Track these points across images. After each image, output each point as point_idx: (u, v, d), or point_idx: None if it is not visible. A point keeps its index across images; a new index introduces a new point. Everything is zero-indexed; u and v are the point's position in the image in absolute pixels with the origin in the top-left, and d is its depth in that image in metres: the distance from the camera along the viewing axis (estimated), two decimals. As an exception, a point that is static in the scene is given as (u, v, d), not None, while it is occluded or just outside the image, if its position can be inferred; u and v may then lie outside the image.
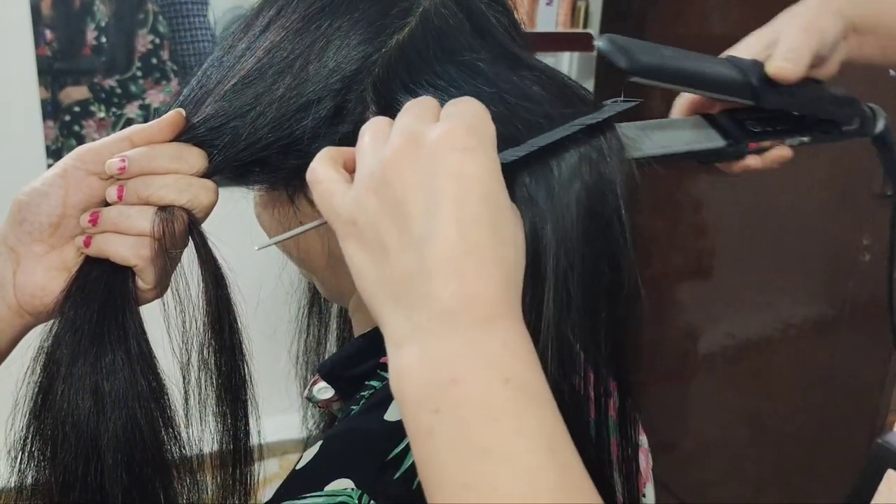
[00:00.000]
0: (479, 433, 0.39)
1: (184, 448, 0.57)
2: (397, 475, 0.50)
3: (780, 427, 1.68)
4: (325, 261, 0.59)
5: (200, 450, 0.59)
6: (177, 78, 2.08)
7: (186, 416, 0.58)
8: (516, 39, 0.58)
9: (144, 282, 0.55)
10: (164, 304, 0.57)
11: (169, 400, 0.56)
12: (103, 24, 2.01)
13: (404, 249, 0.42)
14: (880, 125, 0.66)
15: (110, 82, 2.05)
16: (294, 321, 0.78)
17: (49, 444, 0.54)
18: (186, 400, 0.58)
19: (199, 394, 0.58)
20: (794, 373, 1.71)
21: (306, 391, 0.64)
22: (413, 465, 0.50)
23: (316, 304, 0.77)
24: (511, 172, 0.47)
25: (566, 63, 2.35)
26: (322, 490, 0.49)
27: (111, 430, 0.53)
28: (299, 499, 0.49)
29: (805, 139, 0.63)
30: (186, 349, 0.57)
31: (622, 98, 0.51)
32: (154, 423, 0.55)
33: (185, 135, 0.56)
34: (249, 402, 0.60)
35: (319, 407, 0.65)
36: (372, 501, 0.48)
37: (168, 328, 0.56)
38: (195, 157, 0.55)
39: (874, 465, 1.36)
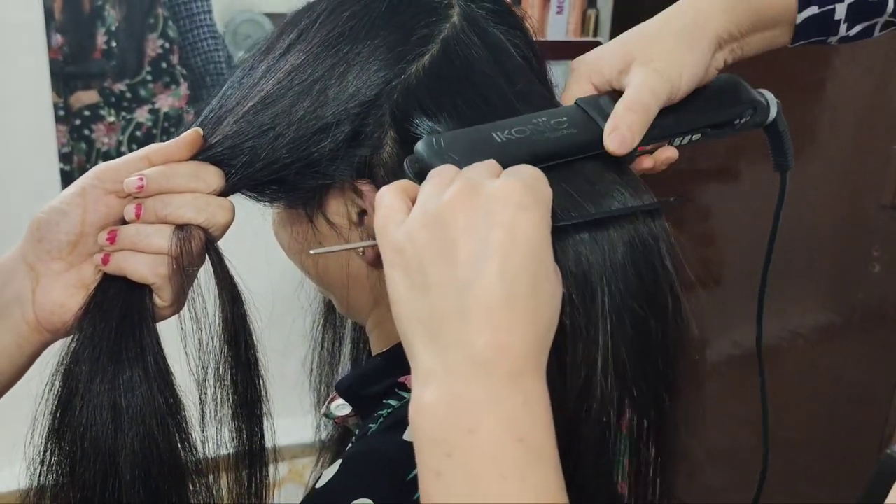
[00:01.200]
0: (485, 487, 0.40)
1: (200, 463, 0.58)
2: (417, 495, 0.50)
3: (789, 436, 1.67)
4: (342, 280, 0.60)
5: (217, 463, 0.59)
6: (186, 82, 2.08)
7: (203, 431, 0.58)
8: (533, 64, 0.58)
9: (162, 299, 0.56)
10: (181, 321, 0.57)
11: (185, 416, 0.57)
12: (113, 28, 2.02)
13: (446, 289, 0.43)
14: (773, 112, 0.62)
15: (120, 86, 2.06)
16: (309, 334, 0.78)
17: (68, 459, 0.54)
18: (203, 415, 0.58)
19: (216, 409, 0.58)
20: (803, 382, 1.70)
21: (324, 408, 0.64)
22: None
23: (331, 317, 0.78)
24: (561, 235, 0.48)
25: (575, 70, 2.35)
26: None
27: (129, 445, 0.53)
28: None
29: (695, 137, 0.59)
30: (203, 366, 0.58)
31: (676, 196, 0.52)
32: (171, 439, 0.55)
33: (203, 153, 0.56)
34: (265, 417, 0.61)
35: (336, 423, 0.66)
36: None
37: (185, 345, 0.57)
38: (212, 176, 0.56)
39: (882, 475, 1.36)
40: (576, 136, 0.52)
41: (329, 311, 0.78)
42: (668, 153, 0.59)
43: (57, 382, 0.55)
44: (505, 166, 0.49)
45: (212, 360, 0.58)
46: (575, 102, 0.56)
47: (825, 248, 1.62)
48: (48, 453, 0.55)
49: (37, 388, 0.55)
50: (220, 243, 0.57)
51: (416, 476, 0.50)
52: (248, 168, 0.55)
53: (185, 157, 0.56)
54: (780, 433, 1.80)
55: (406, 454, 0.52)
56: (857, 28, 0.64)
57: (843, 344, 1.65)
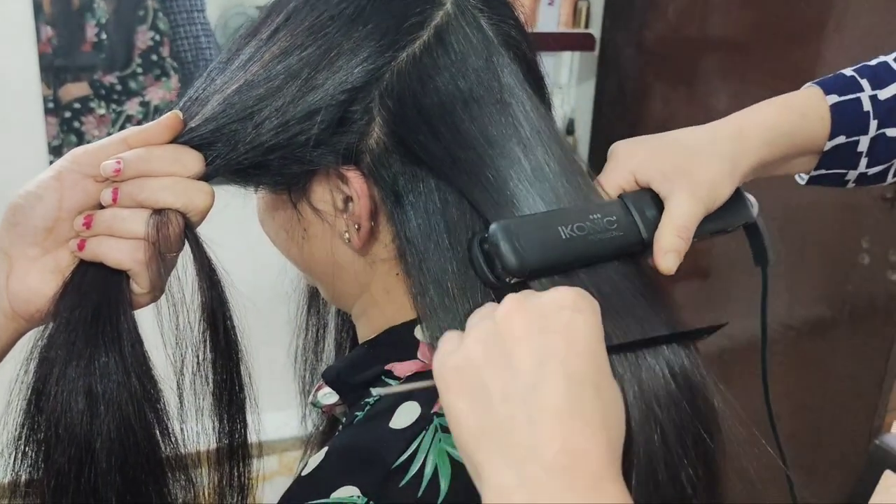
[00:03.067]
0: None
1: (179, 450, 0.57)
2: (403, 483, 0.50)
3: (779, 427, 1.68)
4: (328, 267, 0.59)
5: (197, 450, 0.58)
6: (177, 74, 2.08)
7: (181, 418, 0.57)
8: (526, 54, 0.58)
9: (139, 285, 0.55)
10: (157, 307, 0.57)
11: (164, 402, 0.56)
12: (104, 20, 2.01)
13: (510, 399, 0.42)
14: (753, 213, 0.65)
15: (110, 79, 2.05)
16: (293, 320, 0.78)
17: (42, 445, 0.53)
18: (181, 402, 0.57)
19: (195, 395, 0.57)
20: (793, 374, 1.71)
21: (311, 396, 0.64)
22: (419, 473, 0.50)
23: (314, 303, 0.77)
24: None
25: (567, 63, 2.35)
26: (328, 497, 0.50)
27: (105, 432, 0.52)
28: None
29: (693, 240, 0.60)
30: (181, 351, 0.57)
31: (714, 326, 0.54)
32: (148, 426, 0.54)
33: (184, 137, 0.55)
34: (247, 402, 0.60)
35: (323, 412, 0.65)
36: None
37: (162, 331, 0.56)
38: (192, 160, 0.54)
39: (872, 466, 1.37)
40: (622, 240, 0.55)
41: (313, 297, 0.77)
42: None
43: (32, 367, 0.54)
44: (566, 263, 0.51)
45: (190, 346, 0.57)
46: (620, 198, 0.59)
47: (815, 240, 1.63)
48: (23, 440, 0.54)
49: (11, 374, 0.54)
50: (207, 232, 0.56)
51: (402, 463, 0.50)
52: (230, 153, 0.54)
53: (164, 141, 0.55)
54: (766, 425, 1.80)
55: (393, 441, 0.52)
56: (875, 169, 0.67)
57: (833, 336, 1.66)
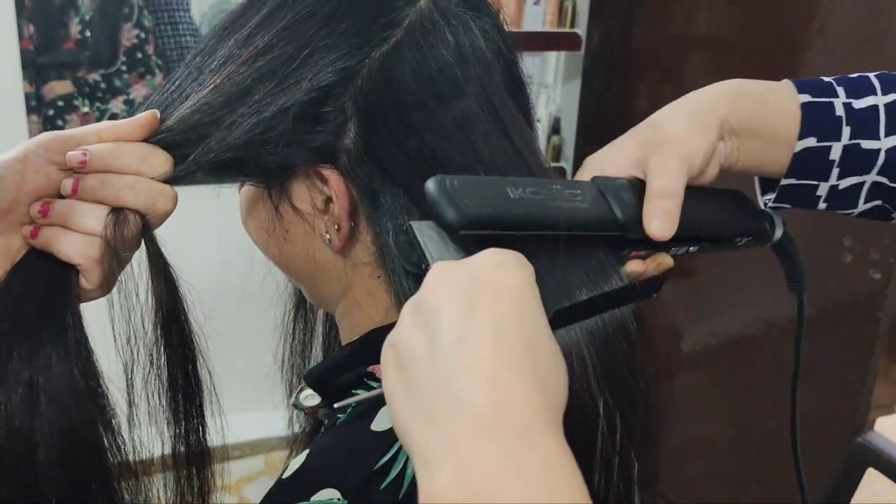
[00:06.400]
0: None
1: (126, 450, 0.55)
2: (384, 485, 0.50)
3: (762, 425, 1.69)
4: (309, 268, 0.59)
5: (151, 453, 0.57)
6: (161, 73, 2.07)
7: (129, 419, 0.56)
8: (503, 53, 0.57)
9: (88, 282, 0.53)
10: (110, 304, 0.55)
11: (109, 402, 0.55)
12: (87, 17, 1.99)
13: (435, 356, 0.39)
14: (778, 233, 0.62)
15: (94, 76, 2.04)
16: (280, 325, 0.77)
17: None
18: (130, 403, 0.56)
19: (147, 397, 0.56)
20: (776, 372, 1.72)
21: (293, 398, 0.63)
22: (400, 475, 0.50)
23: (302, 308, 0.76)
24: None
25: (553, 62, 2.36)
26: (308, 500, 0.49)
27: (46, 427, 0.51)
28: None
29: (693, 248, 0.58)
30: (133, 350, 0.56)
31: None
32: (92, 424, 0.53)
33: (158, 136, 0.54)
34: (206, 405, 0.59)
35: (306, 413, 0.65)
36: None
37: (114, 331, 0.55)
38: (160, 161, 0.53)
39: (854, 464, 1.37)
40: (587, 212, 0.51)
41: (300, 302, 0.76)
42: (662, 259, 0.57)
43: None
44: (514, 223, 0.48)
45: (143, 346, 0.56)
46: (591, 179, 0.54)
47: (797, 238, 1.63)
48: None
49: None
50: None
51: (383, 465, 0.50)
52: (202, 153, 0.53)
53: (137, 139, 0.54)
54: (754, 422, 1.82)
55: (374, 443, 0.51)
56: (847, 182, 0.64)
57: (816, 334, 1.67)
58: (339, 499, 0.49)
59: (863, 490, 1.40)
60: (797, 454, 0.71)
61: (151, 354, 0.56)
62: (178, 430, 0.58)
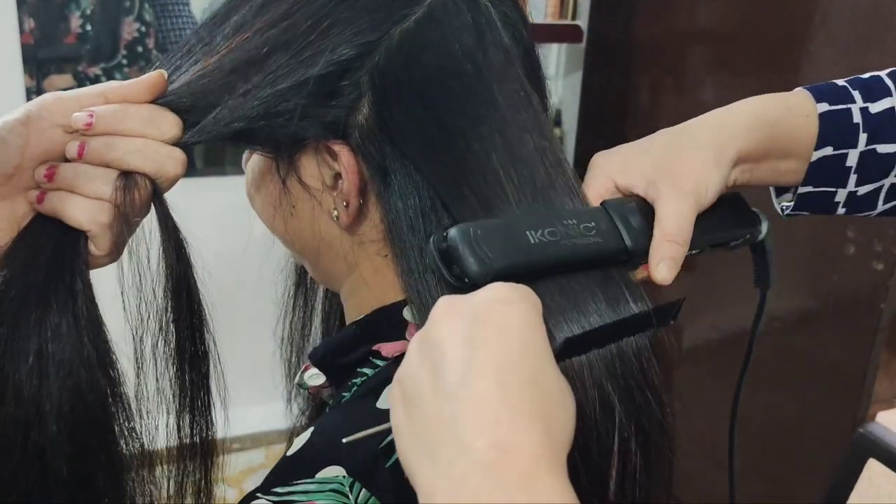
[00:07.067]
0: None
1: (133, 420, 0.54)
2: (389, 463, 0.50)
3: (764, 418, 1.69)
4: (315, 244, 0.58)
5: (156, 423, 0.56)
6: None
7: (137, 387, 0.55)
8: (522, 37, 0.57)
9: (97, 248, 0.52)
10: (120, 271, 0.54)
11: (118, 371, 0.53)
12: (88, 11, 1.99)
13: (438, 396, 0.40)
14: (763, 231, 0.63)
15: (95, 70, 2.04)
16: (279, 302, 0.76)
17: None
18: (139, 371, 0.55)
19: (156, 366, 0.55)
20: (778, 364, 1.72)
21: (297, 377, 0.63)
22: None
23: (302, 285, 0.76)
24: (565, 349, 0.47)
25: (554, 55, 2.35)
26: (313, 477, 0.49)
27: (55, 395, 0.50)
28: (290, 485, 0.49)
29: (693, 252, 0.58)
30: (142, 317, 0.55)
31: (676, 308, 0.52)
32: (101, 393, 0.52)
33: (166, 98, 0.53)
34: (212, 378, 0.58)
35: (310, 393, 0.65)
36: (363, 490, 0.48)
37: (123, 296, 0.54)
38: (169, 124, 0.52)
39: (856, 455, 1.37)
40: (601, 246, 0.52)
41: (300, 279, 0.75)
42: None
43: None
44: (534, 269, 0.48)
45: (153, 312, 0.54)
46: (602, 205, 0.55)
47: (800, 230, 1.63)
48: None
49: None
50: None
51: (388, 444, 0.50)
52: (213, 120, 0.52)
53: (144, 100, 0.52)
54: (755, 416, 1.82)
55: (379, 422, 0.51)
56: (866, 189, 0.64)
57: (818, 326, 1.66)
58: (344, 476, 0.49)
59: (864, 484, 1.40)
60: (733, 456, 0.71)
61: (161, 321, 0.55)
62: (183, 401, 0.57)
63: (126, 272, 0.54)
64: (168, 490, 0.59)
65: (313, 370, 0.61)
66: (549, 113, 0.60)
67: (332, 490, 0.48)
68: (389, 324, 0.57)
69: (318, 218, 0.57)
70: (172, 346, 0.55)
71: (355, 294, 0.60)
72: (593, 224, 0.53)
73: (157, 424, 0.57)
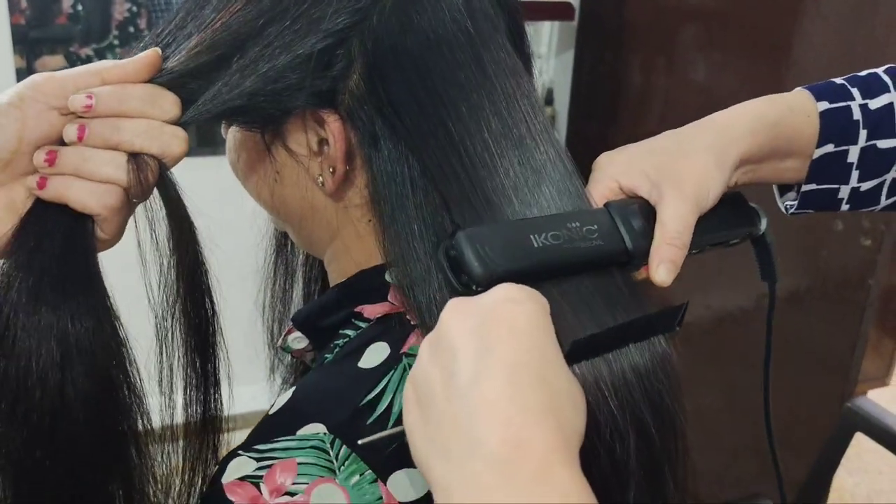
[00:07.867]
0: None
1: (145, 399, 0.55)
2: (370, 420, 0.50)
3: (756, 397, 1.70)
4: (299, 210, 0.59)
5: (171, 401, 0.57)
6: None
7: (159, 363, 0.56)
8: (512, 7, 0.57)
9: (105, 231, 0.51)
10: (125, 254, 0.54)
11: (130, 352, 0.54)
12: (79, -9, 1.98)
13: (451, 396, 0.41)
14: (761, 226, 0.64)
15: (87, 51, 2.03)
16: (261, 270, 0.76)
17: (10, 394, 0.50)
18: (162, 348, 0.56)
19: (171, 343, 0.56)
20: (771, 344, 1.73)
21: (280, 340, 0.63)
22: (386, 411, 0.50)
23: (282, 252, 0.76)
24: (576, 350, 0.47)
25: (546, 33, 2.35)
26: (294, 434, 0.50)
27: (80, 382, 0.50)
28: (271, 442, 0.49)
29: (694, 251, 0.59)
30: (161, 300, 0.55)
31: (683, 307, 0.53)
32: (123, 373, 0.53)
33: (162, 77, 0.52)
34: (220, 349, 0.59)
35: (293, 356, 0.65)
36: (344, 446, 0.49)
37: (145, 274, 0.54)
38: (169, 103, 0.51)
39: (843, 428, 1.39)
40: (602, 249, 0.53)
41: (281, 246, 0.76)
42: None
43: None
44: (539, 273, 0.49)
45: (166, 293, 0.55)
46: (605, 207, 0.56)
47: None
48: None
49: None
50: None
51: (369, 402, 0.51)
52: (213, 100, 0.51)
53: (142, 80, 0.51)
54: (747, 395, 1.83)
55: (361, 380, 0.52)
56: (868, 184, 0.65)
57: (808, 304, 1.68)
58: (324, 433, 0.49)
59: (852, 460, 1.42)
60: (771, 437, 0.72)
61: (172, 300, 0.55)
62: (197, 379, 0.58)
63: (129, 251, 0.54)
64: (178, 465, 0.60)
65: (296, 333, 0.61)
66: (534, 75, 0.61)
67: (312, 447, 0.49)
68: (371, 286, 0.57)
69: (303, 184, 0.57)
70: (178, 313, 0.55)
71: (338, 259, 0.60)
72: (596, 227, 0.54)
73: (169, 402, 0.57)
